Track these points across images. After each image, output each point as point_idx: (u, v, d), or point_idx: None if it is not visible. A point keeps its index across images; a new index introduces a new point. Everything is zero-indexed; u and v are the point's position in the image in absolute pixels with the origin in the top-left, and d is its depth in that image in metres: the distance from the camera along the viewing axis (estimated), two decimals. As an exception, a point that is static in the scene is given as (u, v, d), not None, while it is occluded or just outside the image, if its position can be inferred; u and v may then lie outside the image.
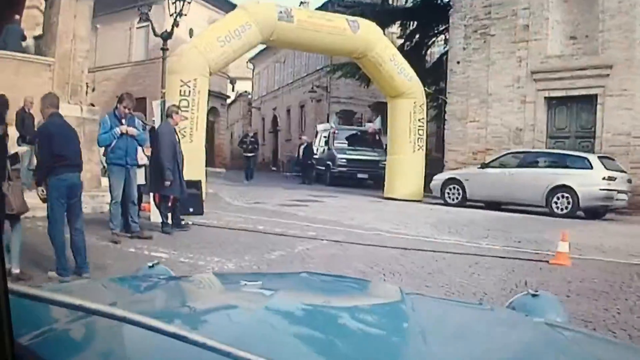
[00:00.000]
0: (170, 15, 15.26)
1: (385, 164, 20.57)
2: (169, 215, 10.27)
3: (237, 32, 15.33)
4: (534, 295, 1.87)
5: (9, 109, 12.31)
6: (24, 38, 15.68)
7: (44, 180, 6.79)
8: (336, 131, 27.26)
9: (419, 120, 18.85)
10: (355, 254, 8.63)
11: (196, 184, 12.07)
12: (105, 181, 10.73)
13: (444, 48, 27.20)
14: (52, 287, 2.35)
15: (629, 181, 15.21)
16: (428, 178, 18.75)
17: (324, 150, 27.43)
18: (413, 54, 22.99)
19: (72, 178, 6.92)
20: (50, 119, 7.03)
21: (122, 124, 9.02)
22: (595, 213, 15.03)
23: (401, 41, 26.64)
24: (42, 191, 6.84)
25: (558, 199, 15.04)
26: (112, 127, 8.98)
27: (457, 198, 17.29)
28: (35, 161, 7.97)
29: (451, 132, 21.13)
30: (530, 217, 14.55)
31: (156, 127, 10.69)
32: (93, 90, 32.63)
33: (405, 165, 18.68)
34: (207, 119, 34.73)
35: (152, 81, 26.47)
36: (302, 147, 27.79)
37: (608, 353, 1.48)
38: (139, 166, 9.92)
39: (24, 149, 10.44)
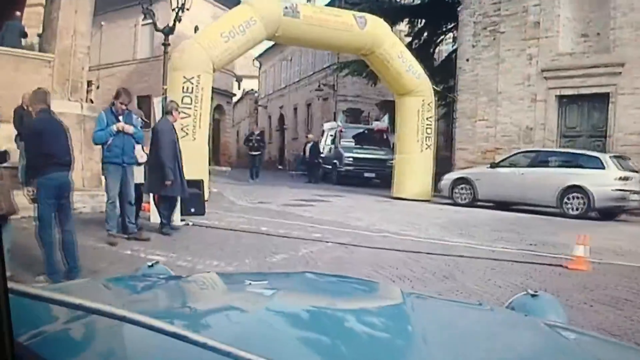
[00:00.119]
0: (173, 10, 14.88)
1: (392, 163, 20.17)
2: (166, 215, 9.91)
3: (241, 27, 14.98)
4: (533, 296, 1.90)
5: (8, 107, 12.20)
6: (25, 35, 15.48)
7: (33, 179, 6.45)
8: (343, 129, 26.91)
9: (427, 118, 18.48)
10: (361, 257, 8.25)
11: (198, 184, 11.77)
12: (105, 180, 10.42)
13: (453, 46, 27.02)
14: (52, 286, 2.32)
15: (643, 181, 14.76)
16: (436, 177, 18.45)
17: (330, 149, 27.04)
18: (421, 52, 22.58)
19: (62, 177, 6.58)
20: (39, 116, 6.69)
21: (118, 121, 8.68)
22: (608, 214, 14.68)
23: (409, 39, 26.27)
24: (31, 191, 6.50)
25: (570, 199, 14.71)
26: (108, 124, 8.65)
27: (466, 198, 16.95)
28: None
29: (460, 131, 20.77)
30: (542, 218, 14.15)
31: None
32: (97, 87, 32.55)
33: (413, 165, 18.32)
34: (213, 117, 34.95)
35: (157, 79, 26.03)
36: (309, 145, 27.40)
37: (608, 353, 1.47)
38: (139, 164, 9.61)
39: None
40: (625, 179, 14.24)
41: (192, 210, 11.51)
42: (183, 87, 14.20)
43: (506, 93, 19.41)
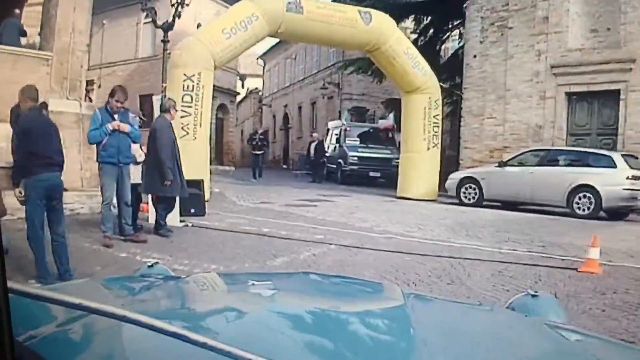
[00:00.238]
0: (172, 5, 14.58)
1: (398, 162, 19.85)
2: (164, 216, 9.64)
3: (243, 23, 14.66)
4: (533, 296, 1.89)
5: (5, 106, 11.98)
6: (24, 33, 15.24)
7: (22, 180, 6.19)
8: (348, 128, 26.58)
9: (434, 116, 18.18)
10: (365, 260, 7.94)
11: (198, 184, 11.53)
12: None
13: (459, 43, 26.81)
14: (52, 286, 2.17)
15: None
16: (441, 177, 18.15)
17: (335, 147, 26.77)
18: (427, 50, 22.19)
19: (52, 178, 6.32)
20: (29, 114, 6.41)
21: (114, 120, 8.38)
22: (617, 214, 14.33)
23: (415, 36, 25.93)
24: (20, 192, 6.23)
25: (580, 199, 14.35)
26: (103, 123, 8.34)
27: (473, 198, 16.64)
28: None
29: (467, 129, 20.40)
30: (550, 218, 13.84)
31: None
32: (99, 87, 32.46)
33: (419, 164, 18.01)
34: (216, 116, 34.96)
35: (159, 78, 25.80)
36: (314, 144, 27.05)
37: (608, 353, 1.47)
38: (137, 163, 9.35)
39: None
40: (636, 178, 13.87)
41: (192, 210, 11.31)
42: (183, 85, 13.92)
43: (514, 90, 19.02)
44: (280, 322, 1.33)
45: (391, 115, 26.65)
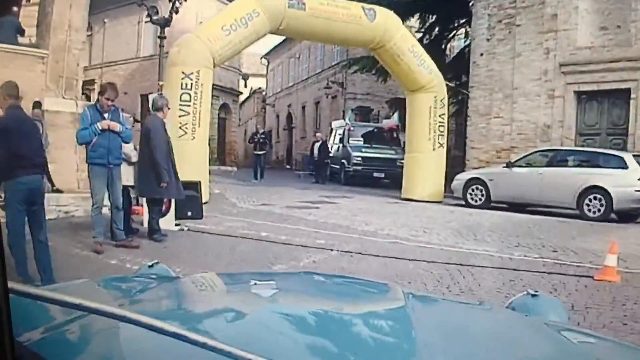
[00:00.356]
0: (170, 1, 14.16)
1: (403, 163, 19.40)
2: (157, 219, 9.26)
3: (243, 20, 14.23)
4: (533, 296, 1.88)
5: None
6: (22, 32, 14.94)
7: (1, 183, 5.83)
8: (351, 128, 26.18)
9: (439, 116, 17.71)
10: (368, 268, 7.52)
11: (195, 186, 11.15)
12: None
13: (465, 42, 26.48)
14: (52, 286, 2.17)
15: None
16: (448, 177, 17.77)
17: (338, 148, 26.28)
18: (432, 48, 21.86)
19: (33, 181, 5.93)
20: (8, 112, 6.00)
21: (104, 119, 7.98)
22: (628, 216, 13.88)
23: (420, 35, 25.57)
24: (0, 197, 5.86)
25: (590, 200, 13.91)
26: (92, 122, 7.94)
27: (480, 199, 16.20)
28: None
29: (474, 129, 19.97)
30: (560, 221, 13.38)
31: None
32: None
33: (424, 164, 17.55)
34: (218, 116, 34.59)
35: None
36: (318, 144, 26.56)
37: (608, 353, 1.48)
38: (131, 164, 8.96)
39: None
40: (648, 178, 13.50)
41: (189, 213, 10.95)
42: (182, 84, 13.52)
43: (522, 89, 18.59)
44: (280, 323, 1.32)
45: (396, 115, 26.22)
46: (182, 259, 7.61)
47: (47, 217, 10.33)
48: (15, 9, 15.61)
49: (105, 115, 8.01)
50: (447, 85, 18.51)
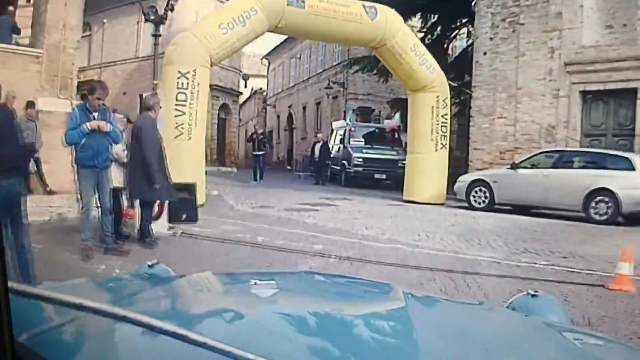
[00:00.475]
0: (165, -1, 13.87)
1: (404, 164, 19.12)
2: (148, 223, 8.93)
3: (241, 18, 13.91)
4: (533, 296, 1.88)
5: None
6: (17, 31, 14.73)
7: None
8: (352, 128, 25.82)
9: (442, 116, 17.40)
10: (368, 275, 7.05)
11: (189, 188, 10.80)
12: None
13: (467, 42, 26.29)
14: (52, 286, 1.85)
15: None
16: (449, 179, 17.50)
17: (339, 148, 25.93)
18: (434, 48, 21.50)
19: (10, 185, 5.55)
20: (-14, 111, 5.65)
21: (93, 119, 7.64)
22: (636, 219, 13.48)
23: (421, 35, 25.26)
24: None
25: (597, 203, 13.60)
26: (81, 122, 7.61)
27: (484, 202, 15.88)
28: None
29: (477, 130, 19.60)
30: (566, 224, 13.09)
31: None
32: (100, 86, 31.86)
33: (426, 165, 17.23)
34: (218, 116, 34.32)
35: (159, 76, 25.50)
36: (319, 145, 26.23)
37: (608, 353, 1.48)
38: (122, 165, 8.68)
39: None
40: (657, 181, 13.18)
41: (184, 216, 10.60)
42: (178, 83, 13.19)
43: (526, 89, 18.23)
44: (281, 323, 1.32)
45: (397, 115, 25.92)
46: (172, 266, 7.11)
47: (40, 219, 10.21)
48: (11, 8, 15.38)
49: (95, 115, 7.69)
50: (449, 84, 18.17)
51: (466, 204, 16.16)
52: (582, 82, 17.33)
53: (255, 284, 1.74)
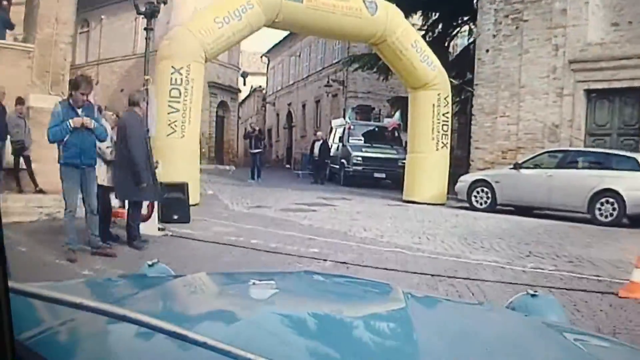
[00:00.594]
0: (159, -10, 13.41)
1: (404, 163, 18.78)
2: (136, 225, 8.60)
3: (237, 12, 13.58)
4: (533, 296, 1.87)
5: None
6: (11, 26, 14.40)
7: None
8: (351, 127, 25.46)
9: (443, 114, 17.10)
10: (366, 281, 6.75)
11: (181, 187, 10.47)
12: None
13: (469, 39, 26.03)
14: (53, 285, 1.69)
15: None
16: (450, 179, 17.23)
17: (338, 147, 25.61)
18: (436, 46, 21.16)
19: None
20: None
21: (77, 115, 7.28)
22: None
23: (422, 33, 24.94)
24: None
25: (602, 204, 13.27)
26: (65, 118, 7.27)
27: (485, 202, 15.55)
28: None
29: (478, 128, 19.23)
30: (571, 226, 12.76)
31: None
32: (97, 83, 31.73)
33: (427, 165, 16.91)
34: (216, 114, 33.94)
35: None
36: (318, 144, 25.91)
37: (608, 353, 1.47)
38: (108, 162, 8.36)
39: None
40: (663, 182, 12.89)
41: (175, 217, 10.26)
42: (171, 79, 12.91)
43: (530, 87, 17.87)
44: (280, 324, 1.31)
45: (397, 114, 25.61)
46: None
47: (28, 220, 9.87)
48: (5, 2, 15.04)
49: (79, 111, 7.34)
50: (450, 82, 17.85)
51: (467, 205, 15.87)
52: (586, 81, 16.97)
53: (255, 284, 1.70)
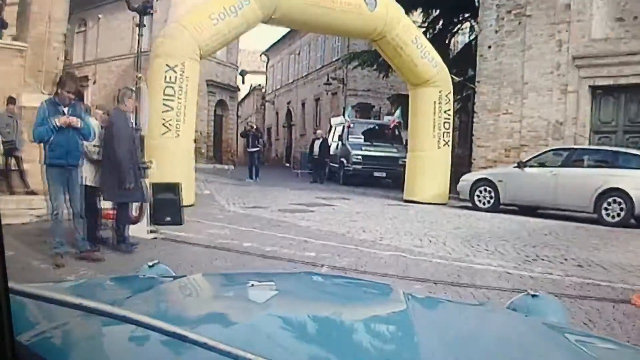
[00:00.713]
0: (152, -14, 13.11)
1: (405, 162, 18.48)
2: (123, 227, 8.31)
3: (233, 8, 13.26)
4: (534, 296, 1.87)
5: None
6: (4, 25, 14.12)
7: None
8: (351, 125, 25.10)
9: (445, 112, 16.79)
10: (365, 288, 6.41)
11: (174, 188, 10.13)
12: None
13: (470, 36, 25.81)
14: (53, 286, 1.79)
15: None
16: (453, 177, 16.97)
17: (337, 145, 25.33)
18: (436, 43, 20.87)
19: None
20: None
21: (63, 114, 7.00)
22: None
23: (423, 30, 24.64)
24: None
25: (609, 204, 12.96)
26: (49, 117, 6.97)
27: (488, 202, 15.25)
28: None
29: (481, 126, 18.93)
30: (577, 226, 12.40)
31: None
32: (94, 82, 31.58)
33: (428, 163, 16.62)
34: (215, 112, 33.65)
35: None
36: (318, 142, 25.55)
37: (608, 353, 1.48)
38: (95, 162, 8.05)
39: None
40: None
41: (167, 219, 9.94)
42: (165, 77, 12.61)
43: (533, 83, 17.56)
44: (280, 322, 1.32)
45: (398, 111, 25.22)
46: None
47: (18, 222, 9.56)
48: (-1, 1, 14.82)
49: (65, 109, 7.05)
50: (452, 79, 17.52)
51: (470, 204, 15.57)
52: (591, 77, 16.65)
53: (256, 285, 1.69)
